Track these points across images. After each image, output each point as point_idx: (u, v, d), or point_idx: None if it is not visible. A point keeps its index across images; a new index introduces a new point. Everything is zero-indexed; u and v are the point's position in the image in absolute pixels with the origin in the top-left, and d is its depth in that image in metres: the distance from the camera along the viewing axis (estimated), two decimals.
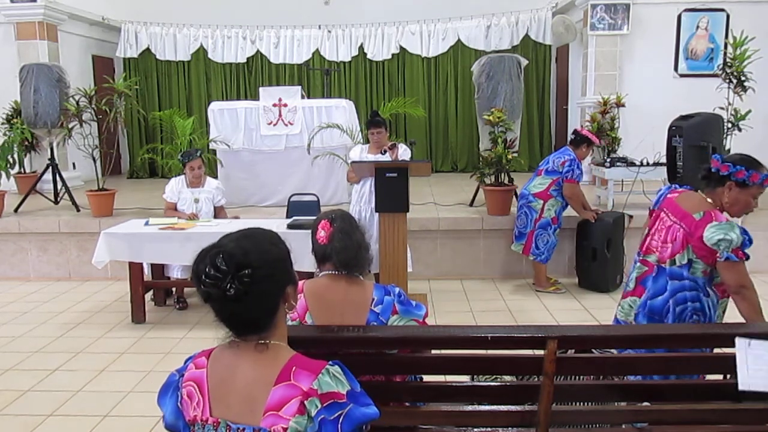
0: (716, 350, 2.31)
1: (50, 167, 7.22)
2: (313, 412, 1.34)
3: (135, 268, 4.96)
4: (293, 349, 1.48)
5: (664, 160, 5.65)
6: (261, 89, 7.57)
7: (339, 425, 1.34)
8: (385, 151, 5.00)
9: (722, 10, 8.19)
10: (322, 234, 2.15)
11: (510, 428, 2.12)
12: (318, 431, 1.34)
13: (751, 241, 2.54)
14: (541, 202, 5.42)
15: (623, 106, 8.02)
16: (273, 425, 1.34)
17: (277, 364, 1.40)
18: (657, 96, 8.05)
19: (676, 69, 8.37)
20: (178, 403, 1.47)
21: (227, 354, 1.46)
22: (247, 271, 1.36)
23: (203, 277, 1.37)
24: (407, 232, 5.28)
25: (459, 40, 10.22)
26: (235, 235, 1.45)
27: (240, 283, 1.36)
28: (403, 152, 5.04)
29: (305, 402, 1.34)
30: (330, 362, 1.42)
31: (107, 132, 6.82)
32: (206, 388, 1.44)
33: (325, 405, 1.35)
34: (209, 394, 1.43)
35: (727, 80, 6.14)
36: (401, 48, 10.33)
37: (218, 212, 5.44)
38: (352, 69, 10.50)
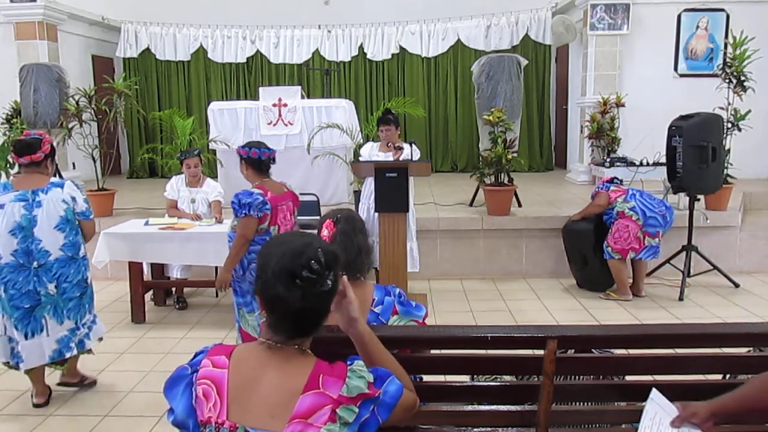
0: (716, 350, 2.31)
1: None
2: (352, 419, 1.37)
3: (135, 268, 4.96)
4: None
5: (663, 159, 5.66)
6: (261, 89, 7.56)
7: (377, 416, 1.41)
8: (389, 144, 5.06)
9: (722, 10, 8.20)
10: (325, 233, 2.16)
11: (510, 428, 2.12)
12: (360, 430, 1.39)
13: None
14: None
15: (623, 106, 8.03)
16: None
17: (305, 372, 1.41)
18: (657, 96, 8.05)
19: (676, 69, 8.37)
20: (193, 402, 1.42)
21: (252, 356, 1.44)
22: (336, 272, 1.45)
23: (304, 272, 1.40)
24: (413, 231, 5.29)
25: (459, 40, 10.23)
26: (315, 236, 1.54)
27: (331, 282, 1.44)
28: (408, 154, 5.03)
29: (337, 410, 1.36)
30: (347, 361, 1.46)
31: (107, 132, 6.83)
32: (225, 390, 1.40)
33: (360, 406, 1.39)
34: (229, 397, 1.39)
35: (727, 80, 6.14)
36: (401, 48, 10.33)
37: (213, 206, 5.38)
38: (352, 69, 10.50)
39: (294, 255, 1.41)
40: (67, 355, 3.56)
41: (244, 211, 3.57)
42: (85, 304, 3.64)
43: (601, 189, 5.46)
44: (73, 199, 3.50)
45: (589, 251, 5.46)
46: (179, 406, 1.43)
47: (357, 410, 1.38)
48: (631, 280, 5.39)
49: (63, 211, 3.43)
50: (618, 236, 5.21)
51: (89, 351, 3.73)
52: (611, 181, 5.58)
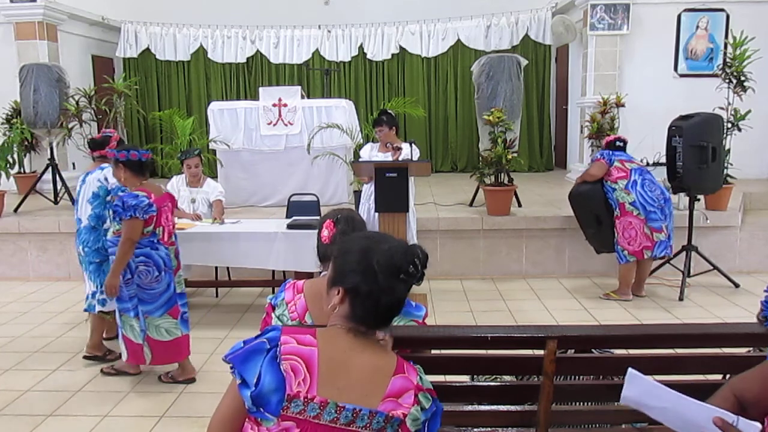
0: (716, 350, 2.31)
1: (50, 167, 7.22)
2: (427, 405, 1.50)
3: None
4: None
5: (663, 160, 5.65)
6: (261, 89, 7.56)
7: (435, 416, 1.54)
8: (387, 144, 5.09)
9: (722, 10, 8.19)
10: (325, 233, 2.16)
11: (510, 428, 2.12)
12: (426, 420, 1.50)
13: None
14: None
15: (623, 106, 8.02)
16: (392, 410, 1.45)
17: (392, 357, 1.54)
18: (657, 96, 8.04)
19: (675, 69, 8.36)
20: (282, 375, 1.42)
21: (341, 340, 1.51)
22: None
23: (410, 268, 1.51)
24: (413, 231, 5.29)
25: (459, 40, 10.22)
26: (396, 239, 1.62)
27: (422, 277, 1.56)
28: (408, 153, 5.02)
29: (418, 394, 1.49)
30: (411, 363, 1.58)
31: None
32: (316, 368, 1.44)
33: (431, 397, 1.52)
34: (319, 374, 1.44)
35: (727, 80, 6.14)
36: (401, 48, 10.32)
37: (214, 206, 5.38)
38: (352, 69, 10.50)
39: (402, 251, 1.52)
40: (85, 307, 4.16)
41: (129, 213, 3.52)
42: (106, 271, 3.91)
43: (602, 157, 5.26)
44: (106, 179, 4.04)
45: (601, 209, 5.29)
46: (266, 377, 1.41)
47: (431, 399, 1.51)
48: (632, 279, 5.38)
49: (96, 188, 4.04)
50: (627, 236, 5.16)
51: (107, 314, 4.13)
52: (613, 144, 5.36)
